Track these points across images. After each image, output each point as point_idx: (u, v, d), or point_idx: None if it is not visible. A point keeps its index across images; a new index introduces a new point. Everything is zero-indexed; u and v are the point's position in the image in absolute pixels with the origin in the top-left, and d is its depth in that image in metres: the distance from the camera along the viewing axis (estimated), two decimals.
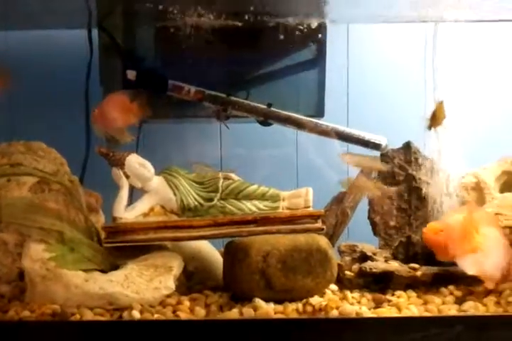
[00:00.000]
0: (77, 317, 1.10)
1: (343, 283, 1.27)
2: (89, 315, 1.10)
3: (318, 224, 1.26)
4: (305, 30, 1.48)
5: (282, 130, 1.52)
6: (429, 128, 1.33)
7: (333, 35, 1.55)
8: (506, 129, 1.62)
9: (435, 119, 1.32)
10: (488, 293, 1.21)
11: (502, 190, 1.37)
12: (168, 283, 1.16)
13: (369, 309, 1.15)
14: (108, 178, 1.31)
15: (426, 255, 1.34)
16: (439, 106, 1.32)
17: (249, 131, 1.58)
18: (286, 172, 1.62)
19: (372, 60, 1.68)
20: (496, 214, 1.31)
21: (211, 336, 1.07)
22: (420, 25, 1.50)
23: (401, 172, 1.39)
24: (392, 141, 1.46)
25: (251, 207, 1.30)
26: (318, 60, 1.53)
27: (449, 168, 1.39)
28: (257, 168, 1.47)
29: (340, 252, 1.33)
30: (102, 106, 1.32)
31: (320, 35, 1.51)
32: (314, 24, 1.48)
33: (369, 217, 1.37)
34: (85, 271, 1.16)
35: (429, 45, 1.41)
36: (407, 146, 1.40)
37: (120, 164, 1.27)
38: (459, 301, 1.19)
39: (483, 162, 1.40)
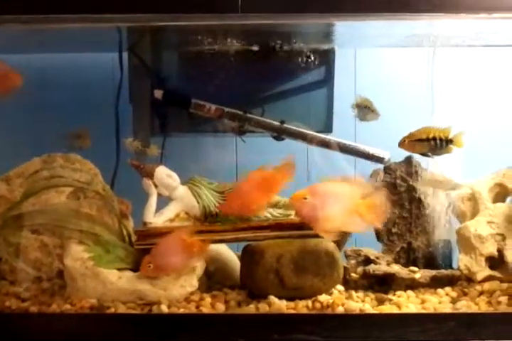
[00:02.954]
0: (112, 310, 1.22)
1: (349, 284, 1.37)
2: (122, 309, 1.23)
3: None
4: (315, 53, 1.59)
5: (294, 144, 1.62)
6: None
7: (342, 58, 1.66)
8: (499, 144, 1.69)
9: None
10: (480, 293, 1.32)
11: (495, 201, 1.45)
12: (192, 282, 1.28)
13: (372, 307, 1.26)
14: (136, 187, 1.44)
15: (425, 259, 1.45)
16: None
17: (263, 145, 1.68)
18: (298, 182, 1.71)
19: (379, 80, 1.76)
20: (489, 222, 1.42)
21: (230, 328, 1.19)
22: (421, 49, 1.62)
23: (402, 184, 1.48)
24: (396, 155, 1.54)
25: (266, 214, 1.42)
26: (327, 81, 1.65)
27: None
28: None
29: (347, 256, 1.43)
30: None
31: (329, 58, 1.63)
32: (324, 48, 1.59)
33: None
34: (119, 269, 1.29)
35: (435, 67, 1.52)
36: (409, 160, 1.50)
37: (150, 175, 1.40)
38: (454, 301, 1.29)
39: (478, 174, 1.49)
